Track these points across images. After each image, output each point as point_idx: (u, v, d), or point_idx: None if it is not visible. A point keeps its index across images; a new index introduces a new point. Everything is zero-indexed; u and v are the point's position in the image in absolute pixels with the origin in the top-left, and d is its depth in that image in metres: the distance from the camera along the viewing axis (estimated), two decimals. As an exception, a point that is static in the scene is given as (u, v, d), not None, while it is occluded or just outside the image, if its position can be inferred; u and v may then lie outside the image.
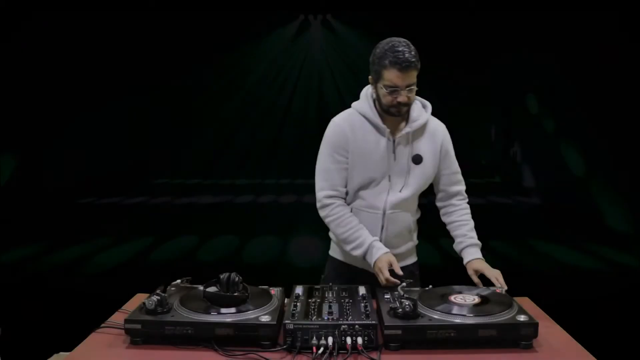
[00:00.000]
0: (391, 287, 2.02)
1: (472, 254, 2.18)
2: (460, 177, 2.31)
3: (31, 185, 4.12)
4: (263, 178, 4.46)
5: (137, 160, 4.23)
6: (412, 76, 2.00)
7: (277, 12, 3.98)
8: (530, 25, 3.84)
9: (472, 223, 2.26)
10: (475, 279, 2.11)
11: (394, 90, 2.02)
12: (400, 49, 1.98)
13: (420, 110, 2.19)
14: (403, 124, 2.16)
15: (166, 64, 3.99)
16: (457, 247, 2.25)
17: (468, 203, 2.32)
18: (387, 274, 2.03)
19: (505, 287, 2.01)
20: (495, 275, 2.07)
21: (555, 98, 4.67)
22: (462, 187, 2.31)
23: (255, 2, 3.81)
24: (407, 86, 2.01)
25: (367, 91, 2.20)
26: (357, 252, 2.15)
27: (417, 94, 2.17)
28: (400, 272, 2.04)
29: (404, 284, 1.97)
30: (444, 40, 3.44)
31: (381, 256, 2.09)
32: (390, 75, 1.99)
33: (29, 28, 3.83)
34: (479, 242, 2.22)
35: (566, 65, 3.90)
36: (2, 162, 4.00)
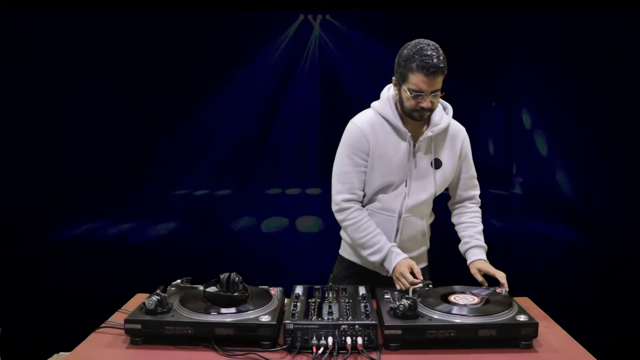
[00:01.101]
0: (377, 276, 2.10)
1: (476, 254, 2.15)
2: (476, 181, 2.28)
3: (31, 185, 4.11)
4: (263, 177, 4.46)
5: (136, 161, 4.24)
6: (439, 82, 1.95)
7: (277, 12, 3.98)
8: (531, 25, 3.84)
9: (481, 226, 2.23)
10: (479, 278, 2.09)
11: (418, 94, 1.96)
12: (428, 52, 1.92)
13: (442, 113, 2.15)
14: (425, 127, 2.12)
15: (164, 64, 3.99)
16: (462, 247, 2.22)
17: (480, 203, 2.30)
18: (410, 278, 1.99)
19: (507, 289, 1.99)
20: (500, 275, 2.05)
21: (555, 97, 4.66)
22: (476, 191, 2.28)
23: (255, 2, 3.81)
24: (433, 92, 1.96)
25: (388, 92, 2.13)
26: (375, 258, 2.11)
27: None
28: (421, 277, 2.01)
29: (421, 284, 1.97)
30: (445, 39, 3.43)
31: (401, 261, 2.06)
32: (416, 80, 1.93)
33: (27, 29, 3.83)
34: (484, 245, 2.19)
35: (566, 65, 3.90)
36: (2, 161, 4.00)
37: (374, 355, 1.65)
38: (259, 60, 4.26)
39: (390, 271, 2.09)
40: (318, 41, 4.29)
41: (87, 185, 4.27)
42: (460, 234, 2.26)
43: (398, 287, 2.04)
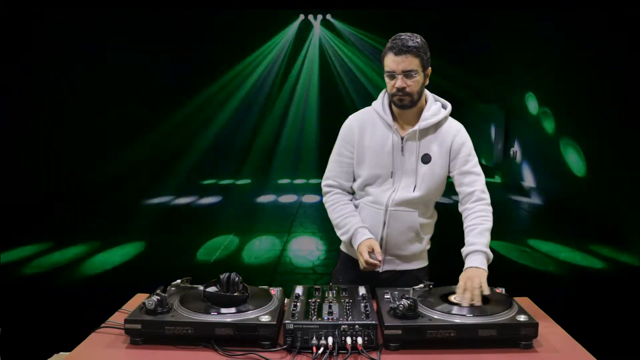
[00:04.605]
0: (372, 273, 2.10)
1: (468, 262, 2.01)
2: (473, 177, 2.16)
3: (32, 186, 4.11)
4: (263, 177, 4.47)
5: (137, 162, 4.24)
6: (410, 62, 2.01)
7: (278, 12, 3.99)
8: (531, 24, 3.84)
9: (481, 226, 2.07)
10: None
11: (391, 75, 2.04)
12: (402, 36, 2.03)
13: (438, 110, 2.16)
14: (416, 122, 2.15)
15: (165, 64, 4.00)
16: (463, 254, 2.09)
17: (486, 201, 2.14)
18: (366, 256, 2.06)
19: (471, 302, 1.83)
20: (467, 287, 1.88)
21: (555, 97, 4.66)
22: (475, 187, 2.14)
23: (255, 2, 3.82)
24: (404, 71, 2.02)
25: (385, 90, 2.20)
26: (345, 238, 2.19)
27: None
28: (380, 258, 2.06)
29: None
30: (445, 38, 3.44)
31: (363, 241, 2.11)
32: (388, 60, 2.03)
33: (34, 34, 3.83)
34: (480, 249, 2.02)
35: (567, 64, 3.90)
36: (3, 164, 4.00)
37: (374, 355, 1.65)
38: (258, 59, 4.26)
39: (356, 249, 2.14)
40: (318, 40, 4.30)
41: (86, 187, 4.27)
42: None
43: (360, 264, 2.10)
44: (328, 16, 4.46)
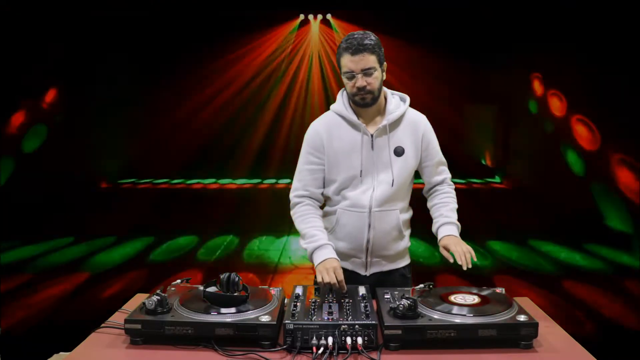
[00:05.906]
0: (358, 277, 2.12)
1: (443, 232, 2.13)
2: (443, 167, 2.27)
3: (31, 186, 4.11)
4: (262, 177, 4.48)
5: (136, 161, 4.25)
6: (367, 60, 2.01)
7: (277, 11, 4.00)
8: (530, 21, 3.84)
9: (452, 205, 2.22)
10: (445, 254, 2.06)
11: (350, 75, 2.04)
12: (355, 35, 2.02)
13: (398, 103, 2.19)
14: (380, 118, 2.16)
15: (165, 63, 4.00)
16: (433, 228, 2.20)
17: (453, 186, 2.29)
18: (336, 278, 1.95)
19: (469, 266, 1.95)
20: (460, 251, 1.99)
21: (555, 96, 4.65)
22: (445, 175, 2.27)
23: (255, 2, 3.83)
24: (363, 70, 2.02)
25: (343, 92, 2.20)
26: (309, 247, 2.08)
27: (409, 91, 2.18)
28: (344, 287, 1.98)
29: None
30: (445, 38, 3.44)
31: (332, 259, 2.03)
32: (345, 61, 2.02)
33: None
34: (454, 221, 2.16)
35: (566, 62, 3.90)
36: (2, 163, 4.00)
37: (374, 355, 1.65)
38: (258, 58, 4.26)
39: (316, 263, 2.05)
40: (317, 40, 4.30)
41: (85, 187, 4.27)
42: (432, 216, 2.24)
43: (319, 278, 2.00)
44: (328, 16, 4.47)
